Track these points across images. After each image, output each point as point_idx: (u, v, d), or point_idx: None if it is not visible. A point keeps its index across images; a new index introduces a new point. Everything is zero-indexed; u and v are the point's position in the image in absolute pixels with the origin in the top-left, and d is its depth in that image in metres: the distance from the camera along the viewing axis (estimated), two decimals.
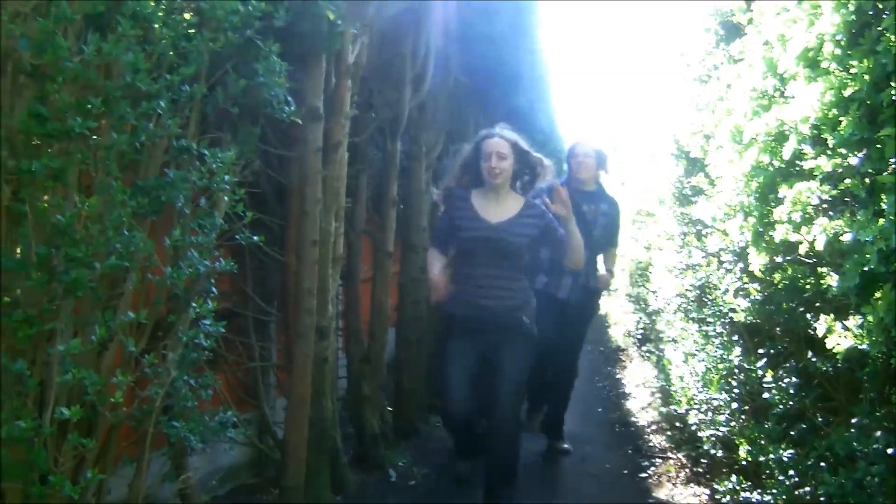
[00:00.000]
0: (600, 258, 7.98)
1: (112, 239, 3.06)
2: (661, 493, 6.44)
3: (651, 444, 8.00)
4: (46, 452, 2.88)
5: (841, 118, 3.73)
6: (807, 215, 3.97)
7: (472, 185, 5.69)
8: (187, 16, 3.60)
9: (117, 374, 3.11)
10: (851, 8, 3.74)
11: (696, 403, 6.24)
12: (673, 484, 6.61)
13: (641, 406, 9.74)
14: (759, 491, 4.79)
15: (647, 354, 10.51)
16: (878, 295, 3.40)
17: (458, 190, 5.67)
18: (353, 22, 5.44)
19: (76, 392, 3.05)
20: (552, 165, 5.90)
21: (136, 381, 3.29)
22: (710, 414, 5.89)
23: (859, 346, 3.61)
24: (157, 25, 3.34)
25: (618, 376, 12.12)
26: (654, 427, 8.57)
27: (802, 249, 4.04)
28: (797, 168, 4.17)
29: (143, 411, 3.36)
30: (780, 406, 4.71)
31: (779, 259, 4.50)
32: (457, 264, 5.68)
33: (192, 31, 3.59)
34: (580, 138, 7.96)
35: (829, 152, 3.83)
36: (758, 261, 4.57)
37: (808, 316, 4.44)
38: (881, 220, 3.35)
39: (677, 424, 7.43)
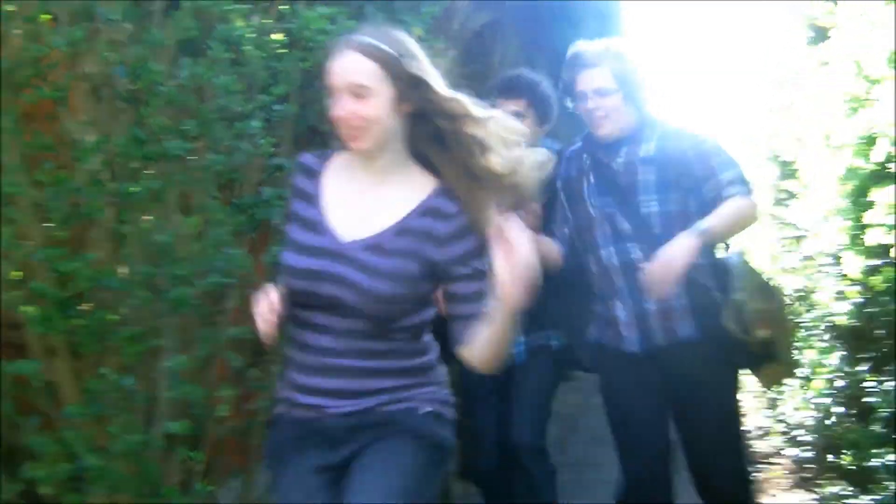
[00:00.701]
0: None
1: (212, 257, 3.12)
2: (765, 499, 6.35)
3: (755, 449, 7.89)
4: (157, 466, 2.95)
5: None
6: None
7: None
8: (277, 37, 3.66)
9: (222, 389, 3.18)
10: None
11: (799, 408, 6.17)
12: (778, 489, 6.53)
13: (744, 412, 9.62)
14: (865, 496, 4.73)
15: None
16: None
17: (306, 157, 2.71)
18: (438, 36, 5.49)
19: (183, 406, 3.12)
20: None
21: (241, 394, 3.35)
22: (813, 419, 5.82)
23: None
24: (248, 47, 3.40)
25: None
26: (758, 432, 8.45)
27: (894, 252, 4.00)
28: (888, 171, 4.13)
29: (249, 424, 3.43)
30: (884, 410, 4.65)
31: (874, 262, 4.46)
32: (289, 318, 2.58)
33: (283, 51, 3.65)
34: (578, 48, 4.01)
35: None
36: (853, 264, 4.53)
37: None
38: None
39: (781, 430, 7.33)
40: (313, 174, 2.63)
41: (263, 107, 3.47)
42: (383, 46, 2.47)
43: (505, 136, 2.53)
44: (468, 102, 2.53)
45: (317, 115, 3.95)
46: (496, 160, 2.47)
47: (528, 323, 3.68)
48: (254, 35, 3.46)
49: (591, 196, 3.91)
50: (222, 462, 3.46)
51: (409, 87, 2.49)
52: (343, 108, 2.47)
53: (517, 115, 3.87)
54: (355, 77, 2.46)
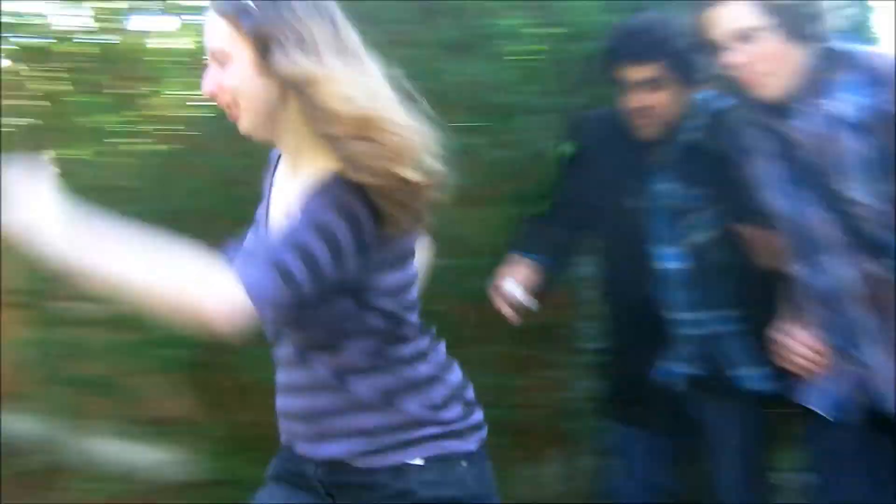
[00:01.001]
0: None
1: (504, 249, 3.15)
2: None
3: None
4: None
5: None
6: None
7: None
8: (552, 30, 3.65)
9: (513, 378, 3.22)
10: None
11: None
12: None
13: None
14: None
15: None
16: None
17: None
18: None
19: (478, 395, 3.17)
20: None
21: (532, 384, 3.38)
22: None
23: None
24: (522, 42, 3.43)
25: None
26: None
27: None
28: None
29: (539, 413, 3.45)
30: None
31: None
32: None
33: (559, 43, 3.64)
34: None
35: None
36: None
37: None
38: None
39: None
40: (271, 170, 2.13)
41: (543, 100, 3.46)
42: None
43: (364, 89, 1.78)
44: (307, 63, 1.78)
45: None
46: (342, 104, 1.73)
47: (706, 353, 2.99)
48: (528, 29, 3.47)
49: (774, 188, 2.50)
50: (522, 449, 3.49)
51: (265, 45, 1.83)
52: (207, 80, 1.93)
53: (653, 82, 2.91)
54: (211, 41, 1.91)
